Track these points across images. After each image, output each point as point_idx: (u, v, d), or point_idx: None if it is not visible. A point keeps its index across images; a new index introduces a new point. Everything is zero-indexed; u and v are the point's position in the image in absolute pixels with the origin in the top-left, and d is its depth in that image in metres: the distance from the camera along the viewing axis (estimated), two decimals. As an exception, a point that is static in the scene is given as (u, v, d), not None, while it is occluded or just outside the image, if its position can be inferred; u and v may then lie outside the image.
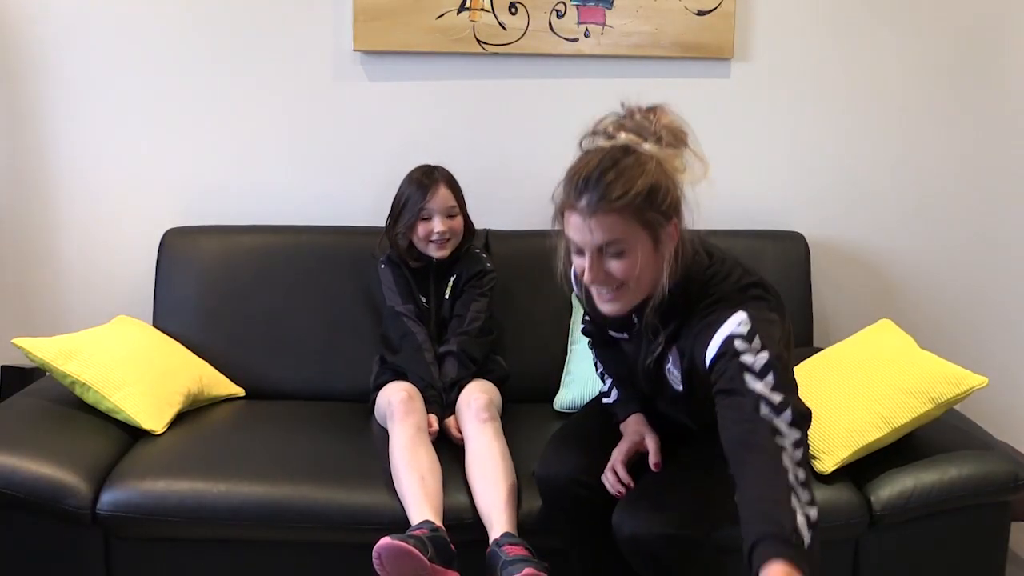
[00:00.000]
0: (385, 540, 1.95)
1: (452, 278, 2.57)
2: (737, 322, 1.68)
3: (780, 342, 1.70)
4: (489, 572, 2.01)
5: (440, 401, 2.42)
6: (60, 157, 2.87)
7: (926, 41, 2.86)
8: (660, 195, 1.68)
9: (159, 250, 2.76)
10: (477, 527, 2.11)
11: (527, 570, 1.94)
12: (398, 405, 2.30)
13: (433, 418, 2.37)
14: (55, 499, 2.11)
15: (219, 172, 2.89)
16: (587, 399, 2.39)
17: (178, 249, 2.75)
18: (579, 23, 2.80)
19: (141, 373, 2.41)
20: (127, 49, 2.82)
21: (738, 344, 1.66)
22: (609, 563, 2.06)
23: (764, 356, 1.64)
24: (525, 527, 2.10)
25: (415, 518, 2.07)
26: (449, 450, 2.31)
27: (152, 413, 2.37)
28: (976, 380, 2.19)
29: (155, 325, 2.71)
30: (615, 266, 1.71)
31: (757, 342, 1.65)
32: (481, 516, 2.12)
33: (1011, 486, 2.18)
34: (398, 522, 2.08)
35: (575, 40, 2.81)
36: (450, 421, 2.40)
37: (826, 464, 2.19)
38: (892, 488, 2.16)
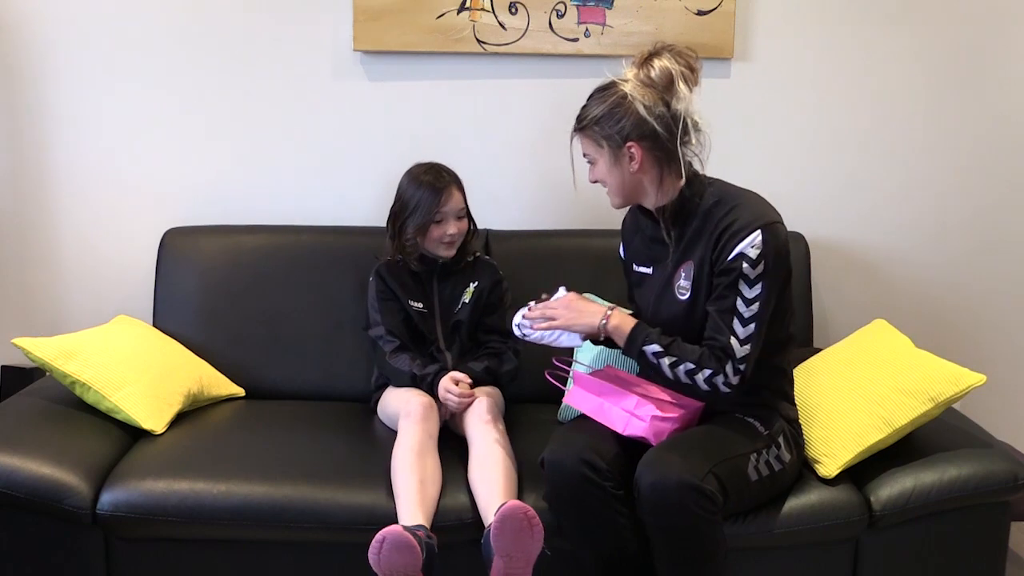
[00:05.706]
0: (395, 527, 1.97)
1: (473, 284, 2.56)
2: (751, 243, 2.02)
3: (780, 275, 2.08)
4: (485, 563, 2.02)
5: (437, 371, 2.42)
6: (60, 157, 2.87)
7: (926, 41, 2.86)
8: (613, 121, 2.08)
9: (159, 250, 2.76)
10: (477, 526, 2.11)
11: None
12: (418, 408, 2.30)
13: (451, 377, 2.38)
14: (55, 499, 2.11)
15: (219, 172, 2.89)
16: None
17: (178, 249, 2.75)
18: (579, 23, 2.80)
19: (141, 373, 2.41)
20: (127, 49, 2.82)
21: (744, 267, 2.02)
22: (618, 557, 2.07)
23: (758, 288, 2.02)
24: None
25: (407, 520, 2.06)
26: (451, 451, 2.31)
27: (152, 413, 2.37)
28: (974, 378, 2.19)
29: (155, 325, 2.71)
30: (593, 171, 2.18)
31: (760, 267, 2.02)
32: (481, 514, 2.12)
33: (1011, 486, 2.18)
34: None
35: (575, 40, 2.81)
36: (452, 377, 2.40)
37: (829, 468, 2.19)
38: (892, 488, 2.16)
